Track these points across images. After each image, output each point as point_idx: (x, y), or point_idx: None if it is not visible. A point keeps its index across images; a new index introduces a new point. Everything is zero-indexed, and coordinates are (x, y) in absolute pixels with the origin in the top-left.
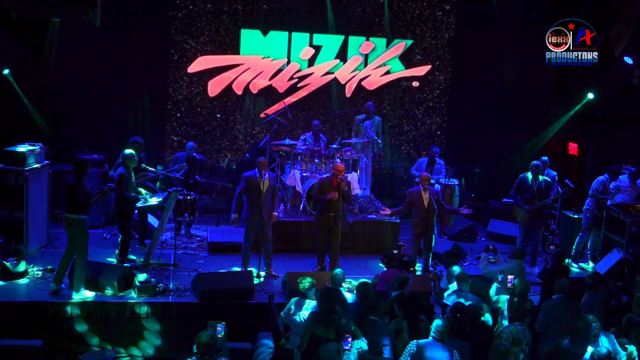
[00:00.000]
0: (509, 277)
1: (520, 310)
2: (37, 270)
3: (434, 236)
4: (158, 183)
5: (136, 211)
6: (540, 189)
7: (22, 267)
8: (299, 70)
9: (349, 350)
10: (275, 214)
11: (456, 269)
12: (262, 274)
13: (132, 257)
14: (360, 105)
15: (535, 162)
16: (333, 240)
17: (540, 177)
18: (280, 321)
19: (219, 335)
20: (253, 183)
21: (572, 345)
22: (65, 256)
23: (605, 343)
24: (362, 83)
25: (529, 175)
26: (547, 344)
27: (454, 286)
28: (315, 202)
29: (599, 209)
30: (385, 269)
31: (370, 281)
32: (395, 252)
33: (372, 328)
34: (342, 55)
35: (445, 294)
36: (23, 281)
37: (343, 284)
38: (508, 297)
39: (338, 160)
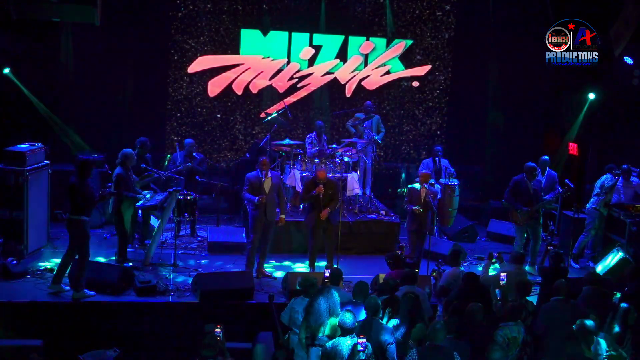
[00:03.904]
0: (502, 275)
1: (512, 309)
2: (37, 270)
3: (429, 236)
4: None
5: (140, 212)
6: (536, 190)
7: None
8: (299, 70)
9: (363, 351)
10: (283, 216)
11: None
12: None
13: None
14: (360, 105)
15: (529, 163)
16: (330, 239)
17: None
18: (278, 322)
19: (218, 338)
20: (256, 183)
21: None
22: (65, 256)
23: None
24: (362, 83)
25: (525, 177)
26: (549, 348)
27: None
28: (304, 202)
29: (605, 206)
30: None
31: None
32: (399, 252)
33: (376, 329)
34: (342, 55)
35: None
36: (23, 281)
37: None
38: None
39: (338, 160)
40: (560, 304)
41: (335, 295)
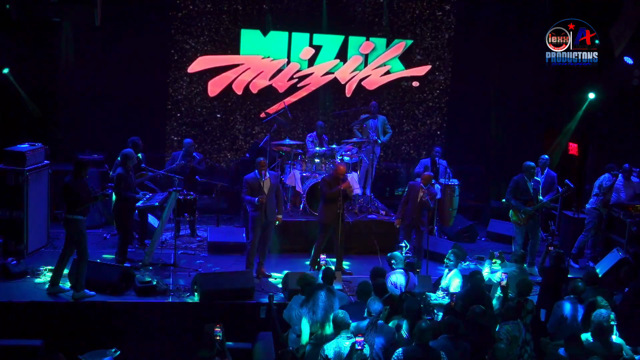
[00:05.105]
0: (503, 275)
1: (513, 309)
2: (37, 270)
3: (429, 236)
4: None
5: (136, 211)
6: (536, 189)
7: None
8: (299, 70)
9: (361, 349)
10: (280, 216)
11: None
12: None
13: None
14: (361, 105)
15: (527, 162)
16: (338, 238)
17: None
18: (277, 321)
19: (217, 337)
20: (255, 185)
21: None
22: (61, 257)
23: None
24: (362, 83)
25: (525, 177)
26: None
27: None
28: (329, 197)
29: (604, 206)
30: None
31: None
32: (400, 252)
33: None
34: (342, 55)
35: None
36: (23, 281)
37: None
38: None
39: (338, 160)
40: (574, 304)
41: (334, 293)
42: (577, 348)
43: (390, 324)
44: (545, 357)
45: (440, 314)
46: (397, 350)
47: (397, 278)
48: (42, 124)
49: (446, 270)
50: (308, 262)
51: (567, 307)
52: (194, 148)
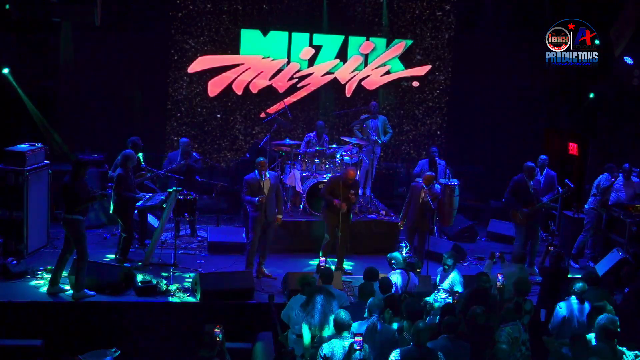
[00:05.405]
0: (499, 276)
1: (512, 310)
2: (37, 270)
3: (429, 236)
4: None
5: (136, 211)
6: (537, 189)
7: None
8: (299, 70)
9: (360, 349)
10: (280, 216)
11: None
12: None
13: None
14: (361, 105)
15: (528, 163)
16: (339, 238)
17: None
18: (277, 321)
19: (217, 338)
20: (255, 185)
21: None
22: (61, 256)
23: None
24: (362, 83)
25: (525, 177)
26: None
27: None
28: (323, 199)
29: (603, 207)
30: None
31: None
32: (400, 252)
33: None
34: (342, 55)
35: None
36: (23, 281)
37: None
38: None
39: (338, 161)
40: (577, 304)
41: (333, 293)
42: (581, 348)
43: (393, 326)
44: (549, 355)
45: (437, 317)
46: (395, 351)
47: (395, 278)
48: (42, 124)
49: (440, 271)
50: (312, 262)
51: (569, 307)
52: (192, 147)
